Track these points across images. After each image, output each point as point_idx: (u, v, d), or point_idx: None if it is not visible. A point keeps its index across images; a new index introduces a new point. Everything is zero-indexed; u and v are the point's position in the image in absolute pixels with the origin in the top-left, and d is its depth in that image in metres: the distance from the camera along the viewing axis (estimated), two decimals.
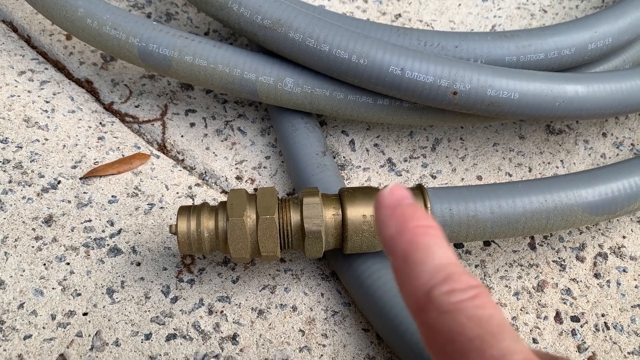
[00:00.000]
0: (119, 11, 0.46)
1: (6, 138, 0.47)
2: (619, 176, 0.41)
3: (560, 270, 0.44)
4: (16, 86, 0.50)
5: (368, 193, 0.38)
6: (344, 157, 0.50)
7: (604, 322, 0.42)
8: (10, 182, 0.45)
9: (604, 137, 0.52)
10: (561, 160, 0.51)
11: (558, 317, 0.42)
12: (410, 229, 0.26)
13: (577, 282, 0.44)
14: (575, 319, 0.42)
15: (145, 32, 0.45)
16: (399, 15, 0.59)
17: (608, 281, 0.44)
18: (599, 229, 0.47)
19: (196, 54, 0.44)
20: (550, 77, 0.43)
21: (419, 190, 0.39)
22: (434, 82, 0.42)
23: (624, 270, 0.44)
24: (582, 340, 0.41)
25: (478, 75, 0.42)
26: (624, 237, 0.46)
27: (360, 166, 0.49)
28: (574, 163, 0.50)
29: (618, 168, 0.42)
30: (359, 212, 0.37)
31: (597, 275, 0.44)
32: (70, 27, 0.47)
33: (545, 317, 0.42)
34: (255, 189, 0.47)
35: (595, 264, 0.45)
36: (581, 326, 0.42)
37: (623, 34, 0.47)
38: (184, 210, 0.38)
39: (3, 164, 0.45)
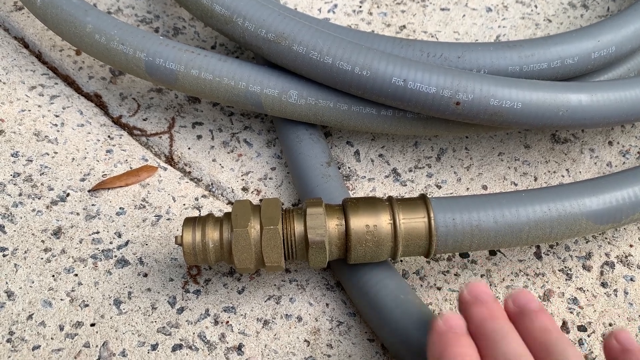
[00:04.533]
0: (126, 26, 0.47)
1: (17, 152, 0.48)
2: (624, 184, 0.41)
3: (566, 279, 0.44)
4: (27, 101, 0.51)
5: (371, 203, 0.39)
6: (349, 167, 0.50)
7: None
8: (20, 194, 0.45)
9: (610, 146, 0.52)
10: (567, 169, 0.50)
11: (565, 327, 0.42)
12: (449, 354, 0.30)
13: (584, 291, 0.44)
14: (582, 328, 0.42)
15: (152, 46, 0.45)
16: (404, 26, 0.60)
17: (615, 290, 0.44)
18: (606, 238, 0.46)
19: (202, 68, 0.45)
20: (554, 86, 0.43)
21: (422, 200, 0.39)
22: (436, 92, 0.42)
23: (631, 279, 0.44)
24: (590, 350, 0.41)
25: (481, 85, 0.42)
26: (631, 245, 0.46)
27: (365, 176, 0.49)
28: (580, 172, 0.50)
29: (622, 176, 0.42)
30: (362, 222, 0.38)
31: (604, 285, 0.44)
32: (79, 43, 0.48)
33: None
34: (261, 200, 0.47)
35: (602, 273, 0.45)
36: (588, 336, 0.41)
37: (627, 43, 0.48)
38: (190, 222, 0.39)
39: (14, 177, 0.46)
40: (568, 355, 0.30)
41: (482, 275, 0.44)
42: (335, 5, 0.61)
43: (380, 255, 0.38)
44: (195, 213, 0.46)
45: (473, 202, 0.39)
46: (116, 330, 0.40)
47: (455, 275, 0.44)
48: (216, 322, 0.41)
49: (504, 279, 0.44)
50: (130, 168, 0.48)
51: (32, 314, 0.40)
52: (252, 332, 0.40)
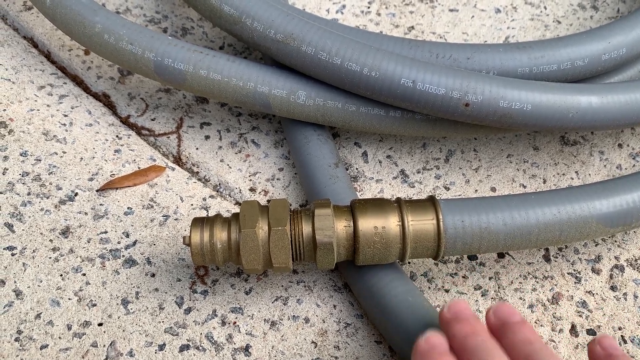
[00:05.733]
0: (135, 26, 0.47)
1: (26, 151, 0.48)
2: (635, 187, 0.41)
3: (575, 282, 0.44)
4: (36, 100, 0.51)
5: (380, 204, 0.38)
6: (356, 168, 0.50)
7: (621, 336, 0.41)
8: (29, 194, 0.46)
9: (620, 148, 0.52)
10: (576, 172, 0.50)
11: (574, 330, 0.42)
12: None
13: (593, 294, 0.43)
14: (591, 332, 0.41)
15: (160, 46, 0.45)
16: (412, 27, 0.60)
17: (625, 294, 0.43)
18: (615, 241, 0.46)
19: (210, 68, 0.45)
20: (563, 88, 0.43)
21: (430, 202, 0.39)
22: (445, 93, 0.42)
23: None
24: None
25: (490, 86, 0.42)
26: None
27: (373, 178, 0.49)
28: (589, 174, 0.50)
29: (633, 179, 0.42)
30: (371, 224, 0.37)
31: (613, 288, 0.44)
32: (88, 43, 0.48)
33: (561, 330, 0.41)
34: (269, 201, 0.47)
35: (611, 276, 0.44)
36: None
37: (637, 45, 0.47)
38: (198, 222, 0.39)
39: (22, 176, 0.46)
40: None
41: (490, 278, 0.44)
42: (344, 6, 0.61)
43: (388, 257, 0.38)
44: (203, 213, 0.46)
45: (482, 204, 0.39)
46: (124, 330, 0.40)
47: (463, 277, 0.44)
48: (223, 323, 0.41)
49: (512, 282, 0.44)
50: (139, 168, 0.48)
51: (40, 313, 0.40)
52: (259, 333, 0.40)
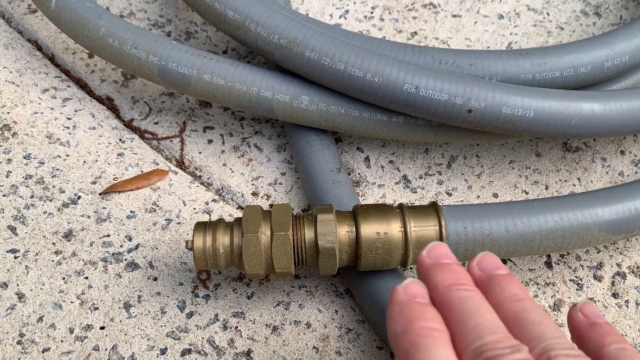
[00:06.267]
0: (139, 30, 0.47)
1: (29, 154, 0.48)
2: (637, 195, 0.41)
3: (577, 289, 0.44)
4: (39, 103, 0.52)
5: (382, 210, 0.38)
6: (359, 173, 0.50)
7: None
8: (32, 197, 0.46)
9: (622, 155, 0.52)
10: (578, 178, 0.50)
11: None
12: (415, 329, 0.26)
13: (595, 301, 0.43)
14: None
15: (164, 50, 0.46)
16: (415, 33, 0.60)
17: (627, 301, 0.43)
18: (617, 248, 0.46)
19: (214, 73, 0.45)
20: (566, 95, 0.43)
21: (433, 208, 0.39)
22: (448, 99, 0.42)
23: None
24: None
25: (493, 93, 0.42)
26: None
27: (375, 183, 0.49)
28: (592, 181, 0.50)
29: (635, 186, 0.42)
30: (373, 230, 0.38)
31: (615, 295, 0.44)
32: (92, 46, 0.48)
33: None
34: (271, 205, 0.47)
35: (613, 283, 0.44)
36: None
37: None
38: (200, 226, 0.39)
39: (26, 179, 0.47)
40: (544, 326, 0.27)
41: None
42: (347, 11, 0.61)
43: (390, 263, 0.38)
44: (205, 217, 0.46)
45: (484, 211, 0.39)
46: (125, 334, 0.40)
47: None
48: (225, 327, 0.41)
49: None
50: (141, 171, 0.48)
51: (43, 316, 0.40)
52: (261, 337, 0.40)
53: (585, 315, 0.30)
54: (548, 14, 0.62)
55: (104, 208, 0.46)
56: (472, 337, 0.26)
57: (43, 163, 0.48)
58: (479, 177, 0.50)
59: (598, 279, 0.45)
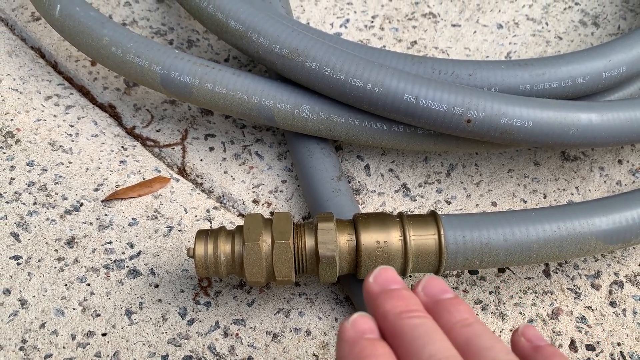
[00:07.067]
0: (142, 39, 0.47)
1: (32, 161, 0.48)
2: (634, 204, 0.41)
3: (575, 297, 0.44)
4: (43, 110, 0.52)
5: (382, 219, 0.39)
6: (359, 181, 0.50)
7: (620, 352, 0.42)
8: (35, 203, 0.46)
9: (620, 164, 0.52)
10: (576, 187, 0.51)
11: (573, 346, 0.42)
12: None
13: (593, 310, 0.44)
14: (590, 347, 0.42)
15: (167, 60, 0.46)
16: (415, 42, 0.60)
17: (624, 310, 0.44)
18: (615, 257, 0.46)
19: (216, 82, 0.46)
20: (564, 105, 0.44)
21: (432, 217, 0.39)
22: (447, 110, 0.42)
23: None
24: None
25: (492, 103, 0.42)
26: None
27: (375, 191, 0.50)
28: (589, 190, 0.51)
29: (633, 196, 0.42)
30: (373, 238, 0.38)
31: (612, 304, 0.44)
32: (95, 55, 0.49)
33: (560, 345, 0.42)
34: (272, 213, 0.48)
35: (610, 292, 0.45)
36: (596, 355, 0.41)
37: (637, 63, 0.48)
38: (202, 234, 0.39)
39: (29, 186, 0.47)
40: (496, 350, 0.26)
41: (490, 292, 0.44)
42: (348, 20, 0.62)
43: None
44: (207, 225, 0.47)
45: (483, 220, 0.40)
46: (127, 341, 0.40)
47: (464, 291, 0.44)
48: (226, 335, 0.41)
49: (512, 297, 0.44)
50: (143, 179, 0.49)
51: (45, 323, 0.41)
52: (261, 345, 0.41)
53: (528, 340, 0.29)
54: (547, 24, 0.62)
55: (106, 215, 0.46)
56: None
57: (46, 170, 0.48)
58: (477, 186, 0.50)
59: (596, 287, 0.45)
